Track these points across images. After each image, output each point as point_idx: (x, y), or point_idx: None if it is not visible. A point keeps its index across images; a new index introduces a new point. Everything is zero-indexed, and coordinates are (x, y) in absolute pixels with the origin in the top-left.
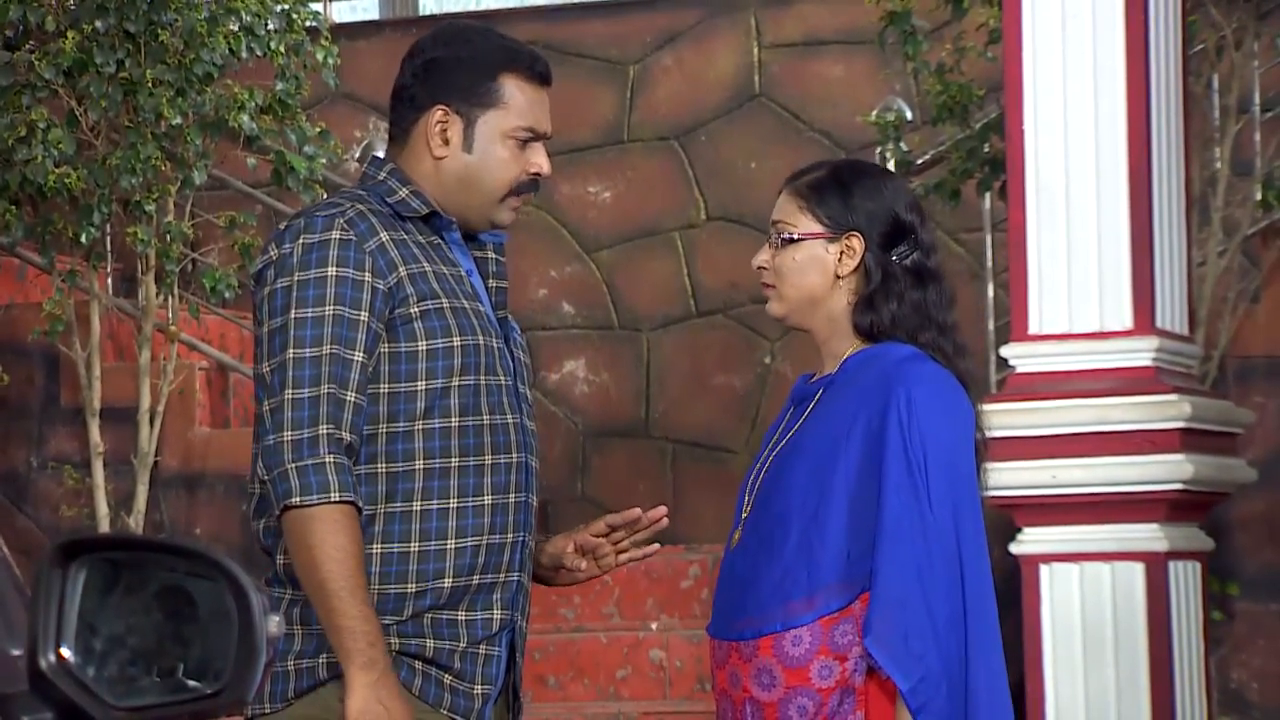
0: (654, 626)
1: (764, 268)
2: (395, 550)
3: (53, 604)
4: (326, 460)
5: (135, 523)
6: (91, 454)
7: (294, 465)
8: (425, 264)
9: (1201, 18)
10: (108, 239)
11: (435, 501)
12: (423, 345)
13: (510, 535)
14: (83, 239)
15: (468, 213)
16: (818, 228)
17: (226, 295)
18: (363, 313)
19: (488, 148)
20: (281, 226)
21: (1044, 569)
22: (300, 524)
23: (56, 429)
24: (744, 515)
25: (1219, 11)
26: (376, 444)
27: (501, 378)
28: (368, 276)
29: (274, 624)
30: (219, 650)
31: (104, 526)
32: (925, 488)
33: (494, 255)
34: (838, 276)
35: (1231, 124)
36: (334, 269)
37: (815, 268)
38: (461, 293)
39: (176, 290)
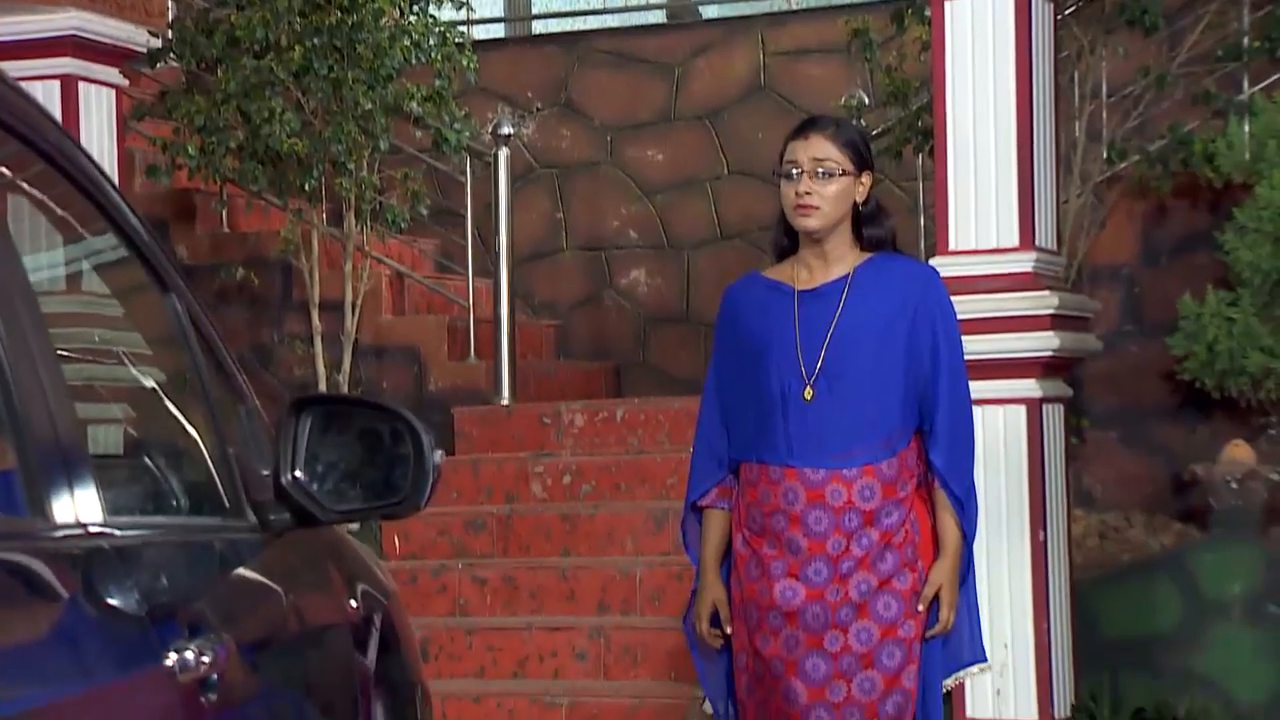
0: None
1: (810, 193)
2: None
3: (289, 440)
4: None
5: (342, 380)
6: (314, 333)
7: None
8: None
9: (1067, 31)
10: (323, 188)
11: None
12: None
13: None
14: (305, 187)
15: None
16: (850, 166)
17: (402, 225)
18: None
19: None
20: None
21: None
22: None
23: (290, 316)
24: (812, 378)
25: (1078, 27)
26: None
27: None
28: None
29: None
30: (401, 473)
31: (322, 385)
32: (960, 358)
33: None
34: (855, 202)
35: (1087, 105)
36: None
37: (847, 196)
38: None
39: (368, 222)
